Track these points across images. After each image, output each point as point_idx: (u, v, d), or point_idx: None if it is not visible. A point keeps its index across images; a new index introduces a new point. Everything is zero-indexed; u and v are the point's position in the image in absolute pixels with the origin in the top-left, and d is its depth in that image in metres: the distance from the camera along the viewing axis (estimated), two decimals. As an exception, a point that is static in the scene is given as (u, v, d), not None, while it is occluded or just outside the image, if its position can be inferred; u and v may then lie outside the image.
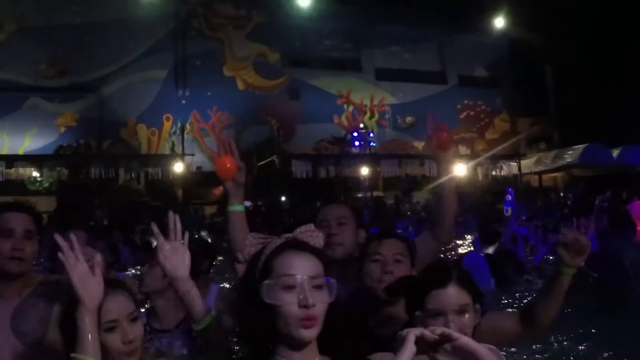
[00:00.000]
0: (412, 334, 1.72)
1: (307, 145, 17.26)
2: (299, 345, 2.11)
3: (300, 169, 16.20)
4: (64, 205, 11.79)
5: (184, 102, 16.09)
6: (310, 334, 2.09)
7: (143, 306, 3.29)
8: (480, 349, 1.74)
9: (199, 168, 14.89)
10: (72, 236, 2.40)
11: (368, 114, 18.45)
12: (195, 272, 2.77)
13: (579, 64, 15.98)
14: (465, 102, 19.64)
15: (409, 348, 1.72)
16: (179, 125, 16.18)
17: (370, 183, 16.81)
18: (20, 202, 3.67)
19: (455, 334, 1.75)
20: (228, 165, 3.26)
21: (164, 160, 15.20)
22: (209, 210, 14.47)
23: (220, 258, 5.93)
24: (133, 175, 14.34)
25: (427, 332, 1.73)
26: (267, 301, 2.13)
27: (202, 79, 16.38)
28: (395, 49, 18.44)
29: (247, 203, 3.57)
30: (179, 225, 2.57)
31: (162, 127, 16.33)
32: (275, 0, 16.50)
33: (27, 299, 3.13)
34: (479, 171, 18.44)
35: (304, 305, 2.10)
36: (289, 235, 2.29)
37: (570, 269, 2.96)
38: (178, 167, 14.39)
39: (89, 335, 2.35)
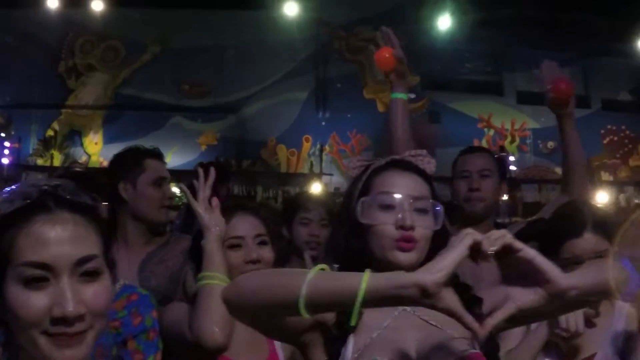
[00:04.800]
0: (470, 238, 1.55)
1: (447, 169, 16.39)
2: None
3: (438, 192, 15.40)
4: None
5: (323, 123, 15.68)
6: (407, 258, 1.99)
7: None
8: (548, 265, 1.56)
9: (337, 189, 14.31)
10: (212, 171, 2.74)
11: (509, 139, 17.55)
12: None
13: None
14: (609, 127, 18.49)
15: (460, 251, 1.53)
16: (318, 146, 15.70)
17: (510, 209, 16.02)
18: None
19: (518, 244, 1.57)
20: (387, 56, 3.21)
21: (301, 179, 14.84)
22: (347, 232, 13.87)
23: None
24: (271, 194, 14.02)
25: (485, 244, 1.55)
26: (362, 221, 2.05)
27: (342, 101, 15.93)
28: (537, 72, 17.43)
29: (412, 95, 3.30)
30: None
31: (301, 148, 15.86)
32: (414, 24, 15.83)
33: (155, 253, 3.37)
34: (622, 199, 17.43)
35: (401, 226, 1.99)
36: (396, 156, 2.23)
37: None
38: (316, 187, 13.97)
39: (217, 256, 2.53)
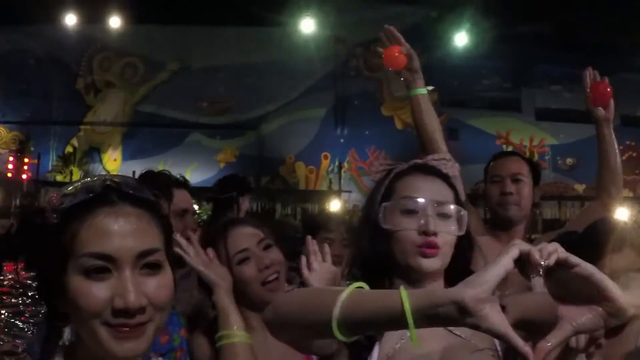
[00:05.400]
0: (517, 249, 1.35)
1: (466, 186, 16.23)
2: (418, 278, 1.91)
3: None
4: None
5: (342, 140, 15.66)
6: (430, 264, 1.92)
7: None
8: (608, 282, 1.35)
9: (355, 206, 14.28)
10: (191, 234, 2.56)
11: (527, 155, 17.47)
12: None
13: None
14: (628, 142, 18.37)
15: (504, 264, 1.33)
16: (336, 163, 15.68)
17: (529, 225, 15.92)
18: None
19: (574, 259, 1.36)
20: (396, 54, 3.13)
21: (320, 196, 14.73)
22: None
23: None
24: (290, 211, 13.91)
25: (535, 255, 1.33)
26: (384, 226, 1.96)
27: (360, 119, 15.95)
28: (556, 89, 17.44)
29: (430, 87, 3.20)
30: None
31: (320, 165, 15.86)
32: (432, 40, 15.84)
33: (177, 283, 2.99)
34: (641, 215, 17.32)
35: (424, 232, 1.91)
36: (419, 160, 2.14)
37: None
38: (335, 205, 13.94)
39: (231, 311, 2.35)
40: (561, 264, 1.37)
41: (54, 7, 13.95)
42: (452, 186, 2.02)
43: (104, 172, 14.42)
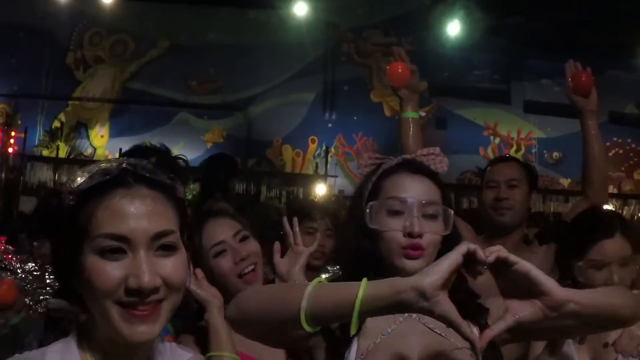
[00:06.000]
0: (465, 246, 1.54)
1: (452, 176, 16.34)
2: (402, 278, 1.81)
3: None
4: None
5: (330, 125, 15.67)
6: (414, 265, 1.94)
7: None
8: (544, 277, 1.55)
9: (341, 191, 14.29)
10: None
11: (514, 147, 17.46)
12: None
13: None
14: (615, 139, 18.37)
15: (454, 258, 1.52)
16: (323, 147, 15.65)
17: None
18: None
19: (513, 258, 1.56)
20: (400, 70, 3.21)
21: (306, 180, 14.73)
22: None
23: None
24: (275, 194, 13.93)
25: (480, 253, 1.54)
26: (370, 226, 2.01)
27: (349, 104, 15.90)
28: (545, 82, 17.42)
29: (423, 113, 3.28)
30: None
31: (307, 149, 15.81)
32: (424, 29, 15.81)
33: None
34: (626, 212, 17.33)
35: (409, 234, 1.96)
36: (407, 156, 2.18)
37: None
38: (320, 189, 13.91)
39: (223, 332, 2.36)
40: (503, 262, 1.55)
41: (46, -19, 13.85)
42: (440, 185, 2.05)
43: (90, 149, 14.42)
